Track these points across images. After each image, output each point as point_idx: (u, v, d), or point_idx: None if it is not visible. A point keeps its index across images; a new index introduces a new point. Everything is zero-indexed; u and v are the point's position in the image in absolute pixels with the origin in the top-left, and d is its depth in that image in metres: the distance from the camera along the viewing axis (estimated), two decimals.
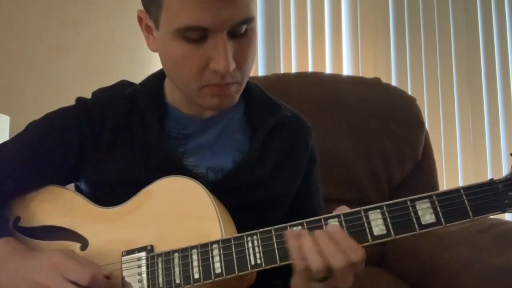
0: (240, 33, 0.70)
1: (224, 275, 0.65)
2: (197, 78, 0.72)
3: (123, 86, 0.87)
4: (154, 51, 0.77)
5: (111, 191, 0.79)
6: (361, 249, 0.61)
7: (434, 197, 0.62)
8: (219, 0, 0.65)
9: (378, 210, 0.63)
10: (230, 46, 0.69)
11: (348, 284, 0.63)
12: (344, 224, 0.64)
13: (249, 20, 0.70)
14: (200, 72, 0.71)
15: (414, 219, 0.62)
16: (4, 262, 0.69)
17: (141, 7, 0.76)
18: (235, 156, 0.84)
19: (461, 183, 2.36)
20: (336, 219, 0.64)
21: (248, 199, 0.81)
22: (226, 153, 0.84)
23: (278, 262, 0.64)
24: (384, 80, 1.58)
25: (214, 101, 0.74)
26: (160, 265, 0.69)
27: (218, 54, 0.68)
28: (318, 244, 0.61)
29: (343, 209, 0.66)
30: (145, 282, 0.69)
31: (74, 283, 0.64)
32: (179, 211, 0.72)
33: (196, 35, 0.68)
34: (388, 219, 0.63)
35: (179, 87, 0.78)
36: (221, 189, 0.76)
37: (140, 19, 0.77)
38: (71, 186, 0.87)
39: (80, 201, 0.80)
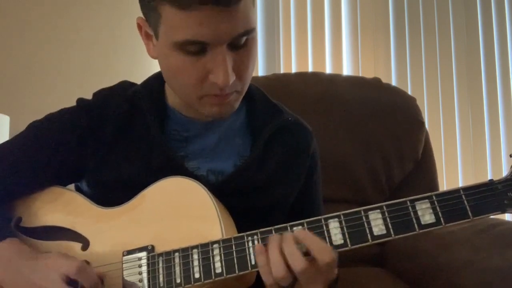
0: (239, 44, 0.69)
1: (225, 275, 0.65)
2: (196, 89, 0.72)
3: (124, 86, 0.87)
4: (154, 58, 0.76)
5: (111, 192, 0.79)
6: (332, 251, 0.62)
7: (434, 197, 0.62)
8: (218, 14, 0.64)
9: (378, 210, 0.64)
10: (230, 58, 0.69)
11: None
12: (344, 224, 0.64)
13: (249, 32, 0.69)
14: (199, 84, 0.71)
15: (414, 219, 0.62)
16: (9, 262, 0.70)
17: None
18: (235, 160, 0.84)
19: (461, 183, 2.36)
20: (336, 219, 0.64)
21: (248, 202, 0.81)
22: (226, 157, 0.84)
23: None
24: (384, 80, 1.57)
25: (214, 110, 0.75)
26: (160, 265, 0.69)
27: (217, 68, 0.68)
28: (283, 250, 0.62)
29: None
30: (145, 281, 0.69)
31: (67, 279, 0.65)
32: (179, 211, 0.73)
33: (195, 48, 0.68)
34: (388, 219, 0.63)
35: (179, 95, 0.78)
36: (221, 191, 0.76)
37: (139, 27, 0.76)
38: (72, 186, 0.88)
39: (82, 201, 0.80)
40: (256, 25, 0.72)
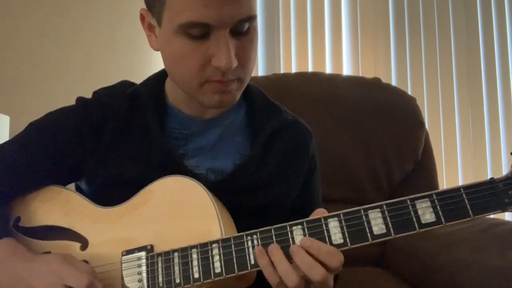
0: (242, 31, 0.70)
1: (224, 275, 0.65)
2: (199, 74, 0.72)
3: (124, 86, 0.87)
4: (156, 50, 0.77)
5: (111, 191, 0.79)
6: (338, 253, 0.62)
7: (434, 196, 0.62)
8: None
9: (378, 209, 0.63)
10: (233, 43, 0.69)
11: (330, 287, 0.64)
12: (344, 224, 0.64)
13: (251, 18, 0.70)
14: (202, 69, 0.71)
15: (414, 218, 0.62)
16: (4, 263, 0.69)
17: (142, 7, 0.76)
18: (235, 158, 0.84)
19: (461, 183, 2.35)
20: (336, 219, 0.64)
21: (248, 201, 0.81)
22: (226, 155, 0.83)
23: None
24: (384, 80, 1.58)
25: (215, 99, 0.74)
26: (160, 265, 0.69)
27: (220, 51, 0.69)
28: (293, 260, 0.62)
29: (322, 213, 0.66)
30: (145, 281, 0.69)
31: None
32: (179, 211, 0.72)
33: (198, 32, 0.68)
34: (388, 218, 0.63)
35: (180, 85, 0.77)
36: (221, 190, 0.76)
37: (142, 18, 0.77)
38: (72, 186, 0.87)
39: (80, 201, 0.80)
40: (257, 14, 0.73)
